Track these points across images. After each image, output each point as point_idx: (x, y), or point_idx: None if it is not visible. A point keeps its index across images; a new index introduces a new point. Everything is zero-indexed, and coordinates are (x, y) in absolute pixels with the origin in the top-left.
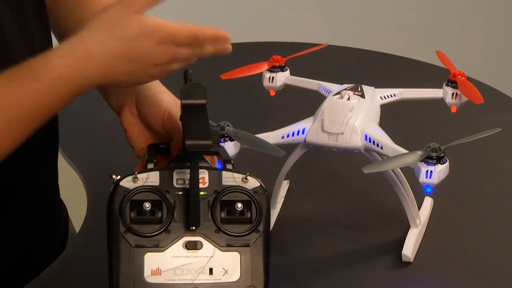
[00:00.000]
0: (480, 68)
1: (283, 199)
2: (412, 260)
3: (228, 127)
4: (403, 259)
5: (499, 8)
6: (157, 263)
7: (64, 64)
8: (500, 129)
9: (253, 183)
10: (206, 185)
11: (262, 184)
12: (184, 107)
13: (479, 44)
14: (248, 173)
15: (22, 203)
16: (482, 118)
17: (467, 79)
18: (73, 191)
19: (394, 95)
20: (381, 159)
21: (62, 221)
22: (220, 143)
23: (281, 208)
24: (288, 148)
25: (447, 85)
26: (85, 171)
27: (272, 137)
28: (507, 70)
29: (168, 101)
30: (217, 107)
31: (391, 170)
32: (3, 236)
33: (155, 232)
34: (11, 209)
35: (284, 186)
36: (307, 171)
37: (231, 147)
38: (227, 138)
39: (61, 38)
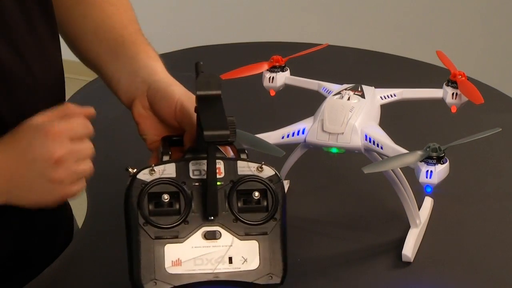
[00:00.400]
0: (480, 68)
1: None
2: (412, 260)
3: None
4: (403, 259)
5: (499, 8)
6: (177, 254)
7: None
8: (500, 129)
9: (268, 171)
10: (222, 175)
11: (277, 173)
12: (199, 98)
13: (479, 44)
14: (263, 162)
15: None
16: (482, 118)
17: (467, 79)
18: None
19: (394, 95)
20: (381, 159)
21: (66, 215)
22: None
23: None
24: (288, 148)
25: (447, 85)
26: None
27: (272, 137)
28: (507, 70)
29: (179, 93)
30: None
31: (391, 170)
32: (3, 231)
33: (174, 223)
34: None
35: (284, 185)
36: (307, 171)
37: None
38: None
39: (64, 34)
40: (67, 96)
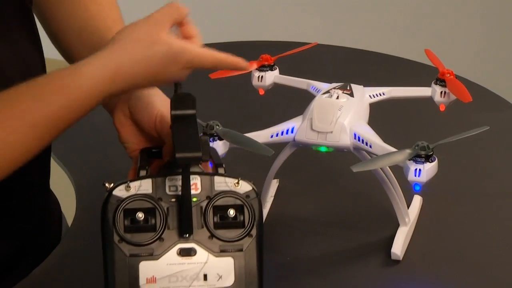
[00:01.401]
0: (469, 67)
1: (272, 198)
2: (401, 258)
3: (217, 127)
4: (393, 257)
5: (488, 7)
6: (152, 271)
7: (94, 84)
8: (488, 127)
9: (245, 187)
10: (199, 191)
11: (254, 188)
12: (173, 118)
13: (467, 42)
14: (240, 178)
15: (14, 202)
16: (471, 116)
17: (456, 78)
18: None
19: (383, 94)
20: (370, 157)
21: (54, 216)
22: (211, 144)
23: (270, 207)
24: (277, 147)
25: (436, 84)
26: (74, 171)
27: (261, 136)
28: (495, 68)
29: (160, 104)
30: (206, 106)
31: (380, 168)
32: None
33: (149, 240)
34: (1, 207)
35: (274, 185)
36: (297, 170)
37: (220, 147)
38: (216, 138)
39: (48, 30)
40: None
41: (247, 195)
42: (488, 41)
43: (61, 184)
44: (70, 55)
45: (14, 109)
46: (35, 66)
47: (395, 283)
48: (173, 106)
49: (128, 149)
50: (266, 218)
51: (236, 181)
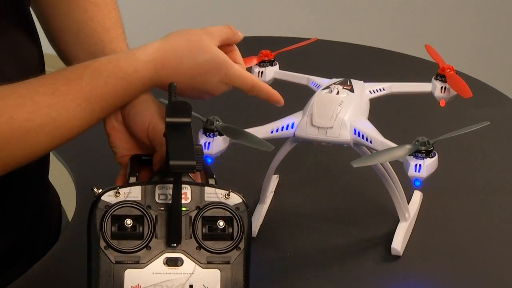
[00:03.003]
0: (469, 62)
1: (272, 193)
2: (401, 254)
3: (217, 122)
4: (393, 252)
5: (488, 3)
6: (137, 279)
7: (146, 68)
8: (489, 123)
9: (235, 199)
10: (188, 200)
11: (244, 200)
12: (168, 125)
13: (468, 38)
14: (230, 190)
15: (11, 194)
16: (471, 112)
17: (456, 73)
18: (65, 183)
19: (383, 89)
20: (370, 153)
21: (53, 211)
22: (211, 139)
23: (271, 203)
24: (278, 142)
25: (436, 79)
26: (74, 166)
27: (261, 131)
28: (495, 64)
29: (153, 111)
30: (206, 101)
31: (381, 164)
32: None
33: (136, 248)
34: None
35: (274, 180)
36: (297, 166)
37: (220, 142)
38: (216, 133)
39: (46, 29)
40: None
41: (237, 207)
42: (489, 36)
43: (64, 180)
44: (67, 56)
45: (71, 87)
46: (33, 62)
47: (395, 278)
48: (169, 114)
49: (117, 154)
50: (266, 213)
51: (227, 192)
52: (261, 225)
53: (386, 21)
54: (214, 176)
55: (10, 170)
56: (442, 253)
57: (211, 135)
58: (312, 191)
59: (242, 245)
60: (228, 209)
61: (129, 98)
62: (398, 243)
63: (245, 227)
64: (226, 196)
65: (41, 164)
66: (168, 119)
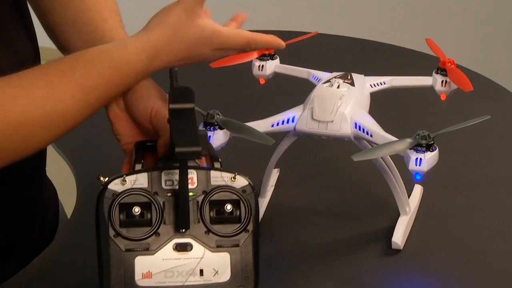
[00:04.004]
0: (470, 56)
1: (273, 187)
2: (402, 248)
3: (218, 116)
4: (393, 246)
5: None
6: (148, 266)
7: (139, 59)
8: (489, 117)
9: (241, 182)
10: (195, 185)
11: (250, 183)
12: (171, 112)
13: (468, 32)
14: (236, 172)
15: (4, 190)
16: (472, 105)
17: (457, 67)
18: (64, 179)
19: (384, 83)
20: (370, 147)
21: (49, 206)
22: (211, 133)
23: (271, 197)
24: (278, 136)
25: (437, 73)
26: (75, 160)
27: (261, 125)
28: (496, 58)
29: (155, 96)
30: (207, 95)
31: (381, 158)
32: None
33: (145, 235)
34: None
35: (274, 174)
36: (297, 160)
37: (220, 136)
38: (216, 127)
39: (44, 23)
40: None
41: (243, 190)
42: (489, 30)
43: (64, 174)
44: (66, 47)
45: (64, 78)
46: (28, 56)
47: (396, 272)
48: (172, 100)
49: (121, 142)
50: (266, 207)
51: (233, 175)
52: (261, 219)
53: (387, 15)
54: (219, 159)
55: (6, 165)
56: (442, 247)
57: (211, 129)
58: (313, 185)
59: (250, 227)
60: (235, 192)
61: (124, 87)
62: (399, 237)
63: (252, 209)
64: (232, 179)
65: (36, 156)
66: (171, 106)
